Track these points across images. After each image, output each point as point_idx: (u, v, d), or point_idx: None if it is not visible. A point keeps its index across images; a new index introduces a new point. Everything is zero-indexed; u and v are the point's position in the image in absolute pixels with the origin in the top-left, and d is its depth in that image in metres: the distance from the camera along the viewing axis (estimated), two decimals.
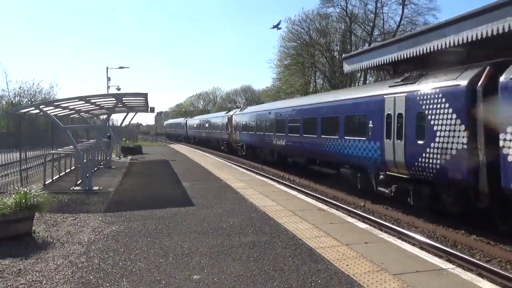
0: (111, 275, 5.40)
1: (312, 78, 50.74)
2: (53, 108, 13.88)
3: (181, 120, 65.93)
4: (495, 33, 9.02)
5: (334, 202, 13.07)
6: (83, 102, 14.02)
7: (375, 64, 14.53)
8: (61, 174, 14.78)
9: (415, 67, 13.84)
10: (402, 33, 35.14)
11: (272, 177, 18.51)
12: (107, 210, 9.57)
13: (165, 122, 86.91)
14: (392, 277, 5.23)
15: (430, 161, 9.94)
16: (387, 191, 12.01)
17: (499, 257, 7.91)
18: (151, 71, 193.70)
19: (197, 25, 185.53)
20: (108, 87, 38.98)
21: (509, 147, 8.01)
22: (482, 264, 7.36)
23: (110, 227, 7.93)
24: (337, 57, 44.88)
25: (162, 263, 5.85)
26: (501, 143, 8.16)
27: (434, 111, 9.90)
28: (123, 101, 15.19)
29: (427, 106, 10.13)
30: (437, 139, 9.76)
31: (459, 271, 5.55)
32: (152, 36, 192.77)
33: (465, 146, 9.01)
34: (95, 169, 16.88)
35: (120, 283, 5.13)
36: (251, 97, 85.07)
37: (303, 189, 15.36)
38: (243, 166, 22.92)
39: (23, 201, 6.98)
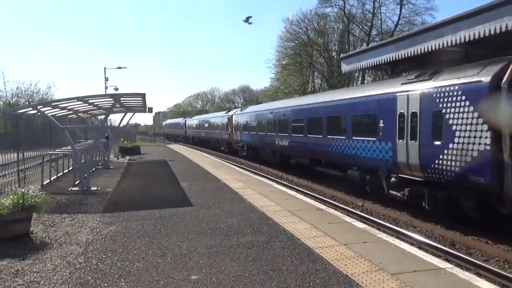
0: (109, 275, 5.39)
1: (310, 78, 50.75)
2: (51, 108, 13.85)
3: (180, 120, 65.50)
4: (492, 32, 9.05)
5: (333, 202, 13.07)
6: (81, 102, 14.01)
7: (373, 64, 14.57)
8: (59, 175, 14.75)
9: (413, 66, 13.89)
10: (400, 33, 35.16)
11: (271, 177, 18.52)
12: (105, 210, 9.55)
13: (164, 122, 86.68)
14: (390, 277, 5.23)
15: (448, 163, 9.29)
16: (399, 194, 11.36)
17: (497, 256, 7.92)
18: (150, 71, 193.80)
19: (196, 25, 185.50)
20: (106, 87, 38.86)
21: None
22: (480, 263, 7.36)
23: (108, 227, 7.92)
24: (335, 57, 44.88)
25: (160, 264, 5.84)
26: None
27: (452, 110, 9.22)
28: (121, 101, 15.18)
29: (444, 104, 9.47)
30: (456, 140, 9.10)
31: (457, 271, 5.56)
32: (151, 36, 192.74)
33: (488, 147, 8.35)
34: (93, 169, 16.84)
35: (118, 283, 5.12)
36: (249, 97, 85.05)
37: (301, 189, 15.35)
38: (242, 166, 22.92)
39: (21, 201, 6.96)
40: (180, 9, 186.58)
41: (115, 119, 32.28)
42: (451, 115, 9.27)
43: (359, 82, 42.16)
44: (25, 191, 7.31)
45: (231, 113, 33.94)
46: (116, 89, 39.02)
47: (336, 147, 14.63)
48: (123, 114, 21.27)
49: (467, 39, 9.84)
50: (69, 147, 13.95)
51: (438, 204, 10.11)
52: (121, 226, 7.99)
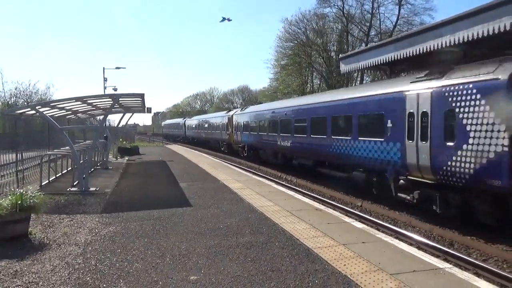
0: (108, 276, 5.38)
1: (309, 78, 50.81)
2: (50, 109, 13.83)
3: (179, 120, 65.11)
4: (491, 33, 9.06)
5: (331, 202, 13.07)
6: (80, 102, 13.98)
7: (371, 64, 14.59)
8: (57, 175, 14.73)
9: (412, 67, 13.91)
10: (398, 33, 35.22)
11: (269, 177, 18.52)
12: (104, 211, 9.54)
13: (163, 123, 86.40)
14: (389, 277, 5.23)
15: (462, 165, 8.85)
16: (408, 197, 10.96)
17: (495, 256, 7.94)
18: (149, 72, 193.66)
19: (195, 25, 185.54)
20: (105, 87, 38.82)
21: None
22: (479, 263, 7.37)
23: (107, 228, 7.91)
24: (334, 57, 44.89)
25: (159, 264, 5.83)
26: None
27: (467, 109, 8.80)
28: (120, 101, 15.16)
29: (458, 103, 9.05)
30: (470, 140, 8.68)
31: (456, 271, 5.57)
32: (150, 36, 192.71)
33: (505, 148, 7.95)
34: (92, 170, 16.83)
35: (117, 284, 5.12)
36: (248, 97, 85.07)
37: (300, 189, 15.35)
38: (241, 167, 22.92)
39: (19, 202, 6.95)
40: (179, 9, 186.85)
41: (114, 119, 32.29)
42: (465, 115, 8.86)
43: (358, 82, 42.19)
44: (24, 192, 7.31)
45: (231, 113, 33.38)
46: (115, 89, 38.97)
47: (341, 148, 14.23)
48: (122, 114, 21.21)
49: (465, 40, 9.85)
50: (67, 148, 13.93)
51: (451, 208, 9.69)
52: (120, 227, 7.98)
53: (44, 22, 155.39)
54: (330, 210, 9.89)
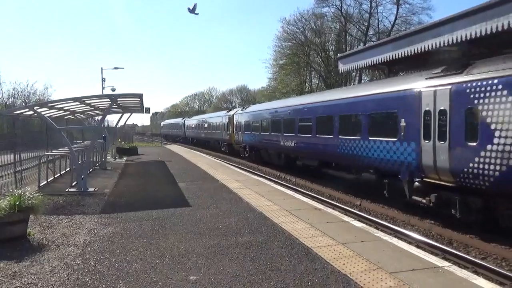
0: (107, 276, 5.37)
1: (308, 77, 50.87)
2: (48, 109, 13.81)
3: (178, 120, 64.63)
4: (489, 32, 9.07)
5: (330, 201, 13.08)
6: (78, 103, 13.97)
7: (370, 64, 14.60)
8: (56, 176, 14.69)
9: (410, 66, 13.93)
10: (396, 32, 35.27)
11: (268, 177, 18.53)
12: (102, 211, 9.52)
13: (162, 123, 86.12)
14: (388, 276, 5.24)
15: (486, 166, 8.23)
16: (424, 200, 10.25)
17: (494, 254, 7.95)
18: (147, 72, 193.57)
19: (193, 25, 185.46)
20: (103, 88, 38.82)
21: None
22: (478, 261, 7.40)
23: (106, 228, 7.90)
24: (332, 56, 45.00)
25: (158, 264, 5.82)
26: None
27: (491, 106, 8.16)
28: (118, 102, 15.14)
29: (481, 100, 8.40)
30: (496, 140, 8.03)
31: (455, 269, 5.58)
32: (148, 36, 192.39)
33: None
34: (90, 170, 16.79)
35: (117, 284, 5.11)
36: (246, 97, 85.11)
37: (299, 189, 15.36)
38: (240, 166, 22.91)
39: (18, 203, 6.92)
40: (178, 10, 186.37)
41: (112, 119, 32.34)
42: (490, 112, 8.19)
43: (356, 81, 42.22)
44: (22, 193, 7.27)
45: (232, 112, 32.83)
46: (113, 90, 39.02)
47: (349, 148, 13.51)
48: (120, 114, 21.24)
49: (464, 39, 9.86)
50: (66, 148, 13.90)
51: (472, 212, 9.06)
52: (119, 227, 7.97)
53: (42, 22, 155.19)
54: (329, 209, 9.89)
